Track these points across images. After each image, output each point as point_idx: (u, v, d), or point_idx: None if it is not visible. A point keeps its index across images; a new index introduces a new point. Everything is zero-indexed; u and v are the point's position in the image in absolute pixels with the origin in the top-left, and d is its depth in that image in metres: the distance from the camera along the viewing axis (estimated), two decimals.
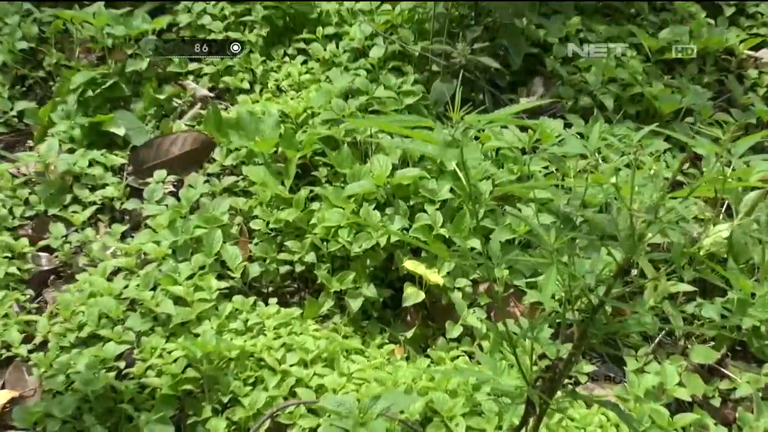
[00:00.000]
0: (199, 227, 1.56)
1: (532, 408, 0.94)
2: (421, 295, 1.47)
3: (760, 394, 1.39)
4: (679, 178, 0.83)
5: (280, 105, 1.83)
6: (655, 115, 1.95)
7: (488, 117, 0.72)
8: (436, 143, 0.67)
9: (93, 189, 1.76)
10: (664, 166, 1.69)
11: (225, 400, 1.31)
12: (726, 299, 1.45)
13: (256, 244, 1.59)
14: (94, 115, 1.90)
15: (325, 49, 2.02)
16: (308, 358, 1.35)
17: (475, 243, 1.46)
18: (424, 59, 1.93)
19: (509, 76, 2.02)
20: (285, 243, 1.58)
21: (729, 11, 2.26)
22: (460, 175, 0.75)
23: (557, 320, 1.33)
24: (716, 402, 1.42)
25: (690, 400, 1.37)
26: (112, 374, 1.34)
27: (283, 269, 1.57)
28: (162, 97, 1.96)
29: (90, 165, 1.78)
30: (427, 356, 1.45)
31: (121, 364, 1.37)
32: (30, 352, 1.42)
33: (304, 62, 2.03)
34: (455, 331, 1.47)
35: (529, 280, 1.50)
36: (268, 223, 1.60)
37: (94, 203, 1.72)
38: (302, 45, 2.08)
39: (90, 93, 1.93)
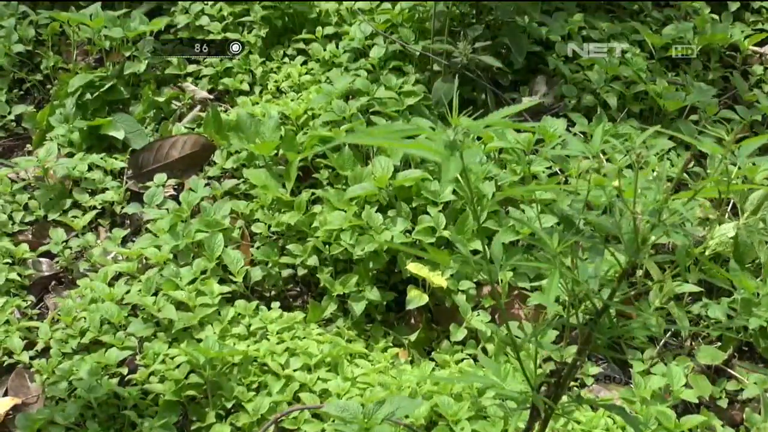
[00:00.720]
0: (200, 231, 1.55)
1: (537, 412, 0.93)
2: (425, 298, 1.46)
3: None
4: (684, 176, 0.82)
5: (280, 106, 1.82)
6: (660, 113, 1.93)
7: (487, 121, 0.71)
8: (439, 152, 0.66)
9: (93, 193, 1.75)
10: (669, 165, 1.68)
11: (229, 405, 1.30)
12: (732, 299, 1.44)
13: (257, 247, 1.58)
14: (92, 118, 1.89)
15: (324, 50, 2.00)
16: (312, 363, 1.35)
17: (478, 245, 1.45)
18: (425, 59, 1.92)
19: (511, 75, 2.00)
20: (287, 246, 1.57)
21: (733, 6, 2.24)
22: (461, 181, 0.74)
23: (561, 324, 1.32)
24: (723, 403, 1.41)
25: (697, 401, 1.37)
26: (115, 380, 1.34)
27: (286, 273, 1.56)
28: (161, 99, 1.95)
29: (89, 169, 1.77)
30: (432, 359, 1.44)
31: (124, 371, 1.36)
32: (32, 358, 1.42)
33: (304, 63, 2.01)
34: (459, 334, 1.46)
35: (533, 283, 1.49)
36: (269, 227, 1.59)
37: (94, 208, 1.71)
38: (302, 45, 2.06)
39: (88, 96, 1.91)
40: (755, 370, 1.44)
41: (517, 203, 1.59)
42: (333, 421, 1.19)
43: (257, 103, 1.88)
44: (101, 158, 1.79)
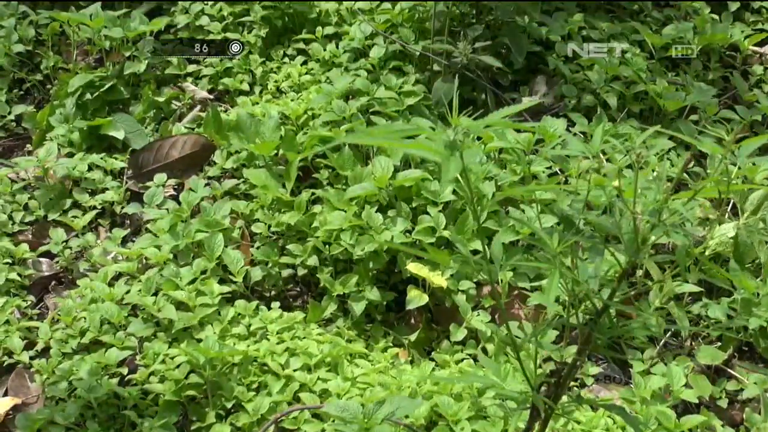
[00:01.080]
0: (200, 231, 1.56)
1: (537, 412, 0.93)
2: (425, 298, 1.46)
3: None
4: (684, 176, 0.82)
5: (280, 106, 1.82)
6: (660, 113, 1.93)
7: (487, 121, 0.71)
8: (439, 152, 0.66)
9: (93, 193, 1.75)
10: (669, 165, 1.68)
11: (229, 405, 1.30)
12: (732, 299, 1.44)
13: (257, 247, 1.58)
14: (92, 118, 1.89)
15: (324, 50, 2.00)
16: (312, 363, 1.35)
17: (478, 245, 1.45)
18: (425, 59, 1.92)
19: (511, 75, 2.00)
20: (287, 246, 1.57)
21: (733, 6, 2.24)
22: (461, 181, 0.74)
23: (561, 324, 1.32)
24: (723, 403, 1.41)
25: (697, 401, 1.37)
26: (115, 380, 1.34)
27: (286, 273, 1.56)
28: (161, 99, 1.95)
29: (89, 169, 1.77)
30: (432, 359, 1.44)
31: (124, 371, 1.36)
32: (32, 358, 1.42)
33: (304, 63, 2.01)
34: (459, 334, 1.46)
35: (533, 283, 1.49)
36: (269, 227, 1.60)
37: (94, 208, 1.71)
38: (302, 45, 2.06)
39: (88, 96, 1.91)
40: (755, 370, 1.44)
41: (517, 203, 1.59)
42: (333, 421, 1.19)
43: (257, 103, 1.88)
44: (101, 158, 1.79)
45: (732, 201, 1.57)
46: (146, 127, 1.91)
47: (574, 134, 1.71)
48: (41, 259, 1.65)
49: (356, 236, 1.51)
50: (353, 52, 1.97)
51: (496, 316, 1.50)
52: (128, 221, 1.73)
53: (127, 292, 1.47)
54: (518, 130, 1.64)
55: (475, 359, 1.43)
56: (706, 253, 0.89)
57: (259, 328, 1.43)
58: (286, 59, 2.05)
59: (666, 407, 1.31)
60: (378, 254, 1.51)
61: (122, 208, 1.72)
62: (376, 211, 1.54)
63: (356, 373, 1.34)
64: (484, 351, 1.44)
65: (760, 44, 2.17)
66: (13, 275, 1.56)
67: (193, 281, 1.48)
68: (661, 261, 1.34)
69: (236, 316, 1.45)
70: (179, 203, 1.64)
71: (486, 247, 0.82)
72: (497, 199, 1.55)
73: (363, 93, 1.80)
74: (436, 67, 1.90)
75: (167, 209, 1.65)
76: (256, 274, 1.54)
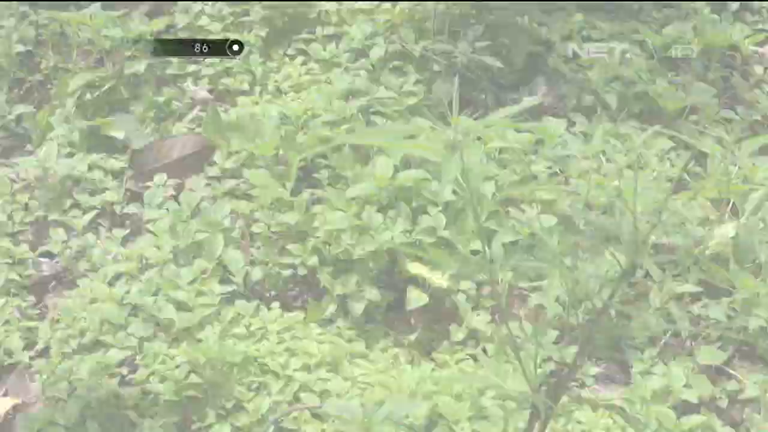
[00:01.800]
0: (200, 231, 1.56)
1: (537, 412, 0.93)
2: (425, 298, 1.46)
3: None
4: (684, 176, 0.83)
5: (280, 106, 1.82)
6: (660, 113, 1.93)
7: (487, 121, 0.71)
8: (439, 152, 0.66)
9: (93, 193, 1.75)
10: (669, 165, 1.68)
11: (229, 405, 1.31)
12: (732, 299, 1.44)
13: (258, 248, 1.58)
14: (92, 118, 1.89)
15: (325, 50, 2.00)
16: (312, 363, 1.35)
17: (478, 245, 1.45)
18: (426, 59, 1.92)
19: (511, 75, 2.00)
20: (287, 246, 1.57)
21: (733, 6, 2.24)
22: (461, 181, 0.74)
23: (562, 324, 1.32)
24: (723, 403, 1.41)
25: (697, 401, 1.37)
26: (115, 381, 1.34)
27: (286, 273, 1.56)
28: (161, 99, 1.95)
29: (90, 169, 1.77)
30: (432, 359, 1.44)
31: (124, 371, 1.36)
32: (32, 358, 1.42)
33: (304, 63, 2.01)
34: (460, 334, 1.46)
35: (533, 283, 1.49)
36: (269, 227, 1.60)
37: (95, 208, 1.71)
38: (302, 45, 2.06)
39: (88, 96, 1.91)
40: (755, 370, 1.44)
41: (517, 203, 1.59)
42: (333, 421, 1.19)
43: (257, 103, 1.88)
44: (101, 158, 1.79)
45: (732, 201, 1.57)
46: (146, 128, 1.91)
47: (574, 134, 1.71)
48: (41, 259, 1.65)
49: (356, 236, 1.51)
50: (353, 52, 1.97)
51: (496, 316, 1.50)
52: (128, 221, 1.73)
53: (127, 292, 1.47)
54: (518, 130, 1.64)
55: (475, 359, 1.43)
56: (706, 253, 0.90)
57: (259, 328, 1.43)
58: (286, 59, 2.05)
59: (666, 407, 1.31)
60: (378, 254, 1.51)
61: (122, 208, 1.72)
62: (376, 211, 1.54)
63: (356, 373, 1.34)
64: (484, 351, 1.44)
65: (760, 44, 2.17)
66: (13, 275, 1.56)
67: (193, 281, 1.48)
68: (661, 261, 1.34)
69: (236, 317, 1.45)
70: (179, 203, 1.64)
71: (486, 247, 0.82)
72: (497, 199, 1.55)
73: (363, 93, 1.80)
74: (436, 67, 1.90)
75: (167, 209, 1.65)
76: (257, 274, 1.54)
